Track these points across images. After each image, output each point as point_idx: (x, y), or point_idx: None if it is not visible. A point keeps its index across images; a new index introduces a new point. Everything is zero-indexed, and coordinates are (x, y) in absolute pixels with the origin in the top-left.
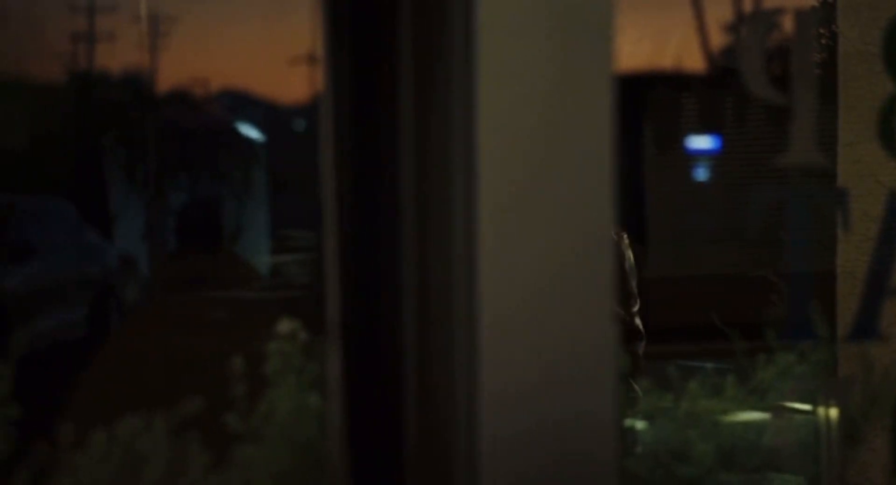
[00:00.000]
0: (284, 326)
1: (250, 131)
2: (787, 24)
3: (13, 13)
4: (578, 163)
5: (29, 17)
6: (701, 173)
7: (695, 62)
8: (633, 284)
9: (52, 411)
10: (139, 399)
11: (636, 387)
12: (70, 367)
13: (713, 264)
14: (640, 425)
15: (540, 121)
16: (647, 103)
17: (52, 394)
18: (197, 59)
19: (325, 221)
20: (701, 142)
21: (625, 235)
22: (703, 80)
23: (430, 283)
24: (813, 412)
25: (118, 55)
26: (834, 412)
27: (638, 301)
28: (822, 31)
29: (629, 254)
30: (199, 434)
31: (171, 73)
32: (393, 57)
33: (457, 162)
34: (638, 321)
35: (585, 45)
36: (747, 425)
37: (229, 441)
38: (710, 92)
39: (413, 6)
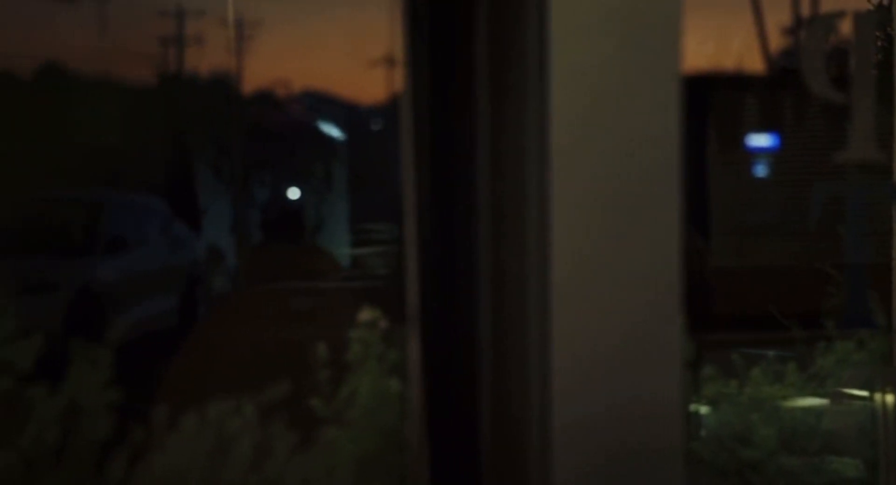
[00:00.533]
0: (365, 314)
1: (331, 130)
2: (846, 26)
3: (109, 18)
4: (647, 160)
5: (122, 21)
6: (761, 170)
7: (756, 63)
8: None
9: (147, 394)
10: (228, 384)
11: None
12: (162, 353)
13: (774, 257)
14: (704, 410)
15: (610, 119)
16: (711, 103)
17: (147, 379)
18: (280, 62)
19: (405, 216)
20: (762, 140)
21: None
22: (764, 80)
23: (505, 273)
24: (870, 398)
25: (206, 58)
26: (890, 398)
27: None
28: (878, 33)
29: None
30: (285, 417)
31: (256, 74)
32: (470, 59)
33: (531, 158)
34: None
35: (654, 47)
36: (807, 410)
37: (314, 424)
38: (771, 91)
39: (489, 12)
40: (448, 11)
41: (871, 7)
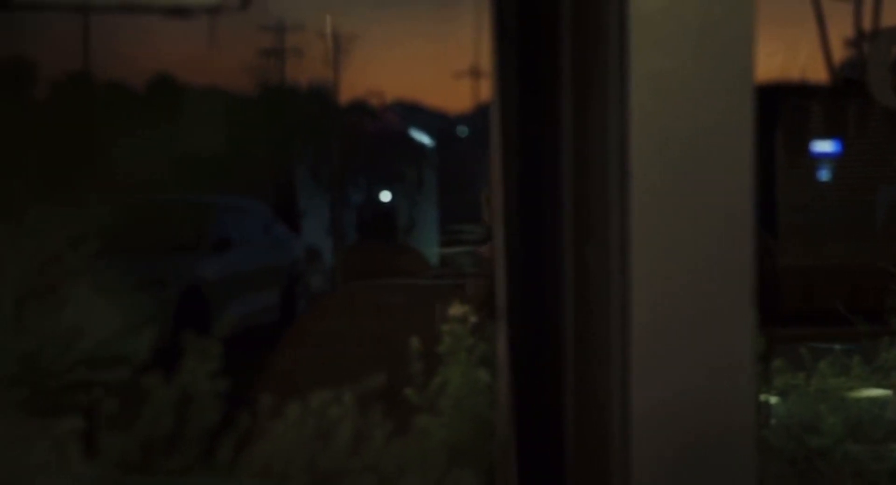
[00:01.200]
0: (456, 310)
1: (421, 137)
2: None
3: (217, 33)
4: (720, 163)
5: (231, 36)
6: (826, 174)
7: (822, 73)
8: None
9: (253, 384)
10: (328, 374)
11: None
12: (266, 346)
13: (840, 256)
14: (774, 400)
15: (686, 124)
16: (779, 111)
17: (252, 369)
18: (374, 74)
19: (493, 217)
20: (827, 146)
21: None
22: (829, 89)
23: (588, 270)
24: None
25: (306, 69)
26: None
27: None
28: None
29: None
30: (381, 406)
31: (352, 85)
32: (554, 70)
33: (612, 162)
34: None
35: (727, 56)
36: (872, 400)
37: (408, 412)
38: (836, 100)
39: (572, 26)
40: (534, 26)
41: None
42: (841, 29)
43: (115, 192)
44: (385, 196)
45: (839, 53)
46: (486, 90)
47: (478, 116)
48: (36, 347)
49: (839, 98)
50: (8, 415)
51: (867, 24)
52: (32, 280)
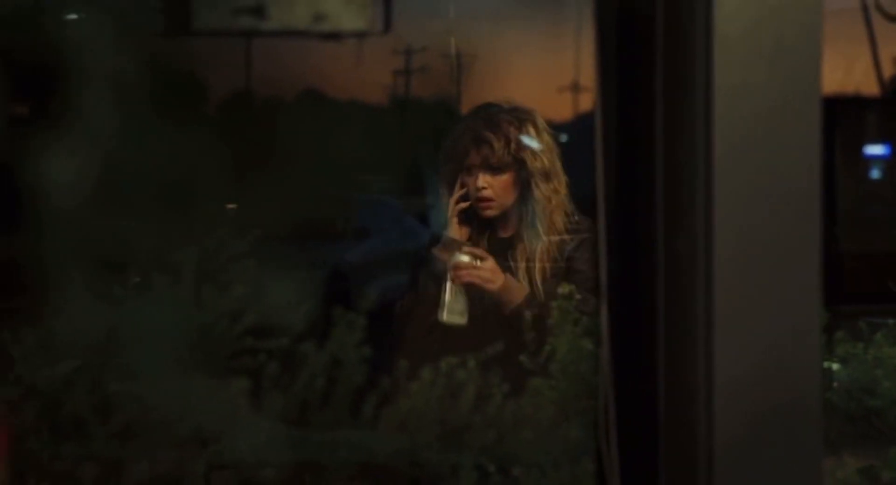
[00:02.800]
0: (564, 289)
1: (531, 141)
2: None
3: (362, 54)
4: (793, 166)
5: (370, 56)
6: (878, 173)
7: (874, 86)
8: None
9: (390, 350)
10: (455, 343)
11: None
12: (399, 319)
13: (891, 243)
14: (836, 367)
15: (763, 134)
16: (838, 118)
17: (390, 338)
18: (490, 88)
19: (597, 209)
20: (878, 149)
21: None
22: (881, 99)
23: (677, 255)
24: None
25: (433, 85)
26: None
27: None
28: None
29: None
30: (500, 370)
31: (471, 98)
32: (650, 85)
33: (699, 164)
34: None
35: (799, 74)
36: None
37: (522, 375)
38: (886, 109)
39: (665, 46)
40: (632, 47)
41: None
42: (891, 47)
43: (282, 189)
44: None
45: (889, 69)
46: (583, 103)
47: (576, 124)
48: (212, 320)
49: (889, 107)
50: (192, 377)
51: None
52: (210, 264)
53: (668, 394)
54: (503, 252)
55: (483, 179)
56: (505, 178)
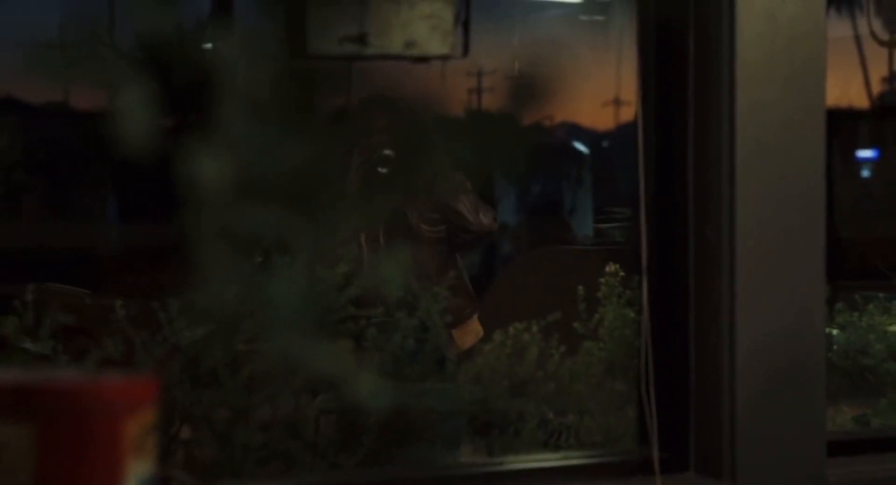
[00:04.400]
0: (610, 267)
1: (580, 147)
2: None
3: (444, 74)
4: (802, 166)
5: (450, 76)
6: (867, 172)
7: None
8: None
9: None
10: (521, 310)
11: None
12: (477, 291)
13: (879, 231)
14: (836, 332)
15: (777, 139)
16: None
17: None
18: (547, 103)
19: (638, 202)
20: (868, 153)
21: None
22: (870, 111)
23: (706, 244)
24: None
25: (497, 102)
26: None
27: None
28: None
29: None
30: (557, 334)
31: (531, 112)
32: (682, 99)
33: (724, 167)
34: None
35: (807, 90)
36: None
37: (576, 338)
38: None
39: (696, 66)
40: (667, 67)
41: None
42: (880, 68)
43: (374, 187)
44: (556, 187)
45: (877, 86)
46: (622, 114)
47: (617, 132)
48: (322, 292)
49: (877, 118)
50: (306, 338)
51: None
52: (321, 248)
53: (697, 354)
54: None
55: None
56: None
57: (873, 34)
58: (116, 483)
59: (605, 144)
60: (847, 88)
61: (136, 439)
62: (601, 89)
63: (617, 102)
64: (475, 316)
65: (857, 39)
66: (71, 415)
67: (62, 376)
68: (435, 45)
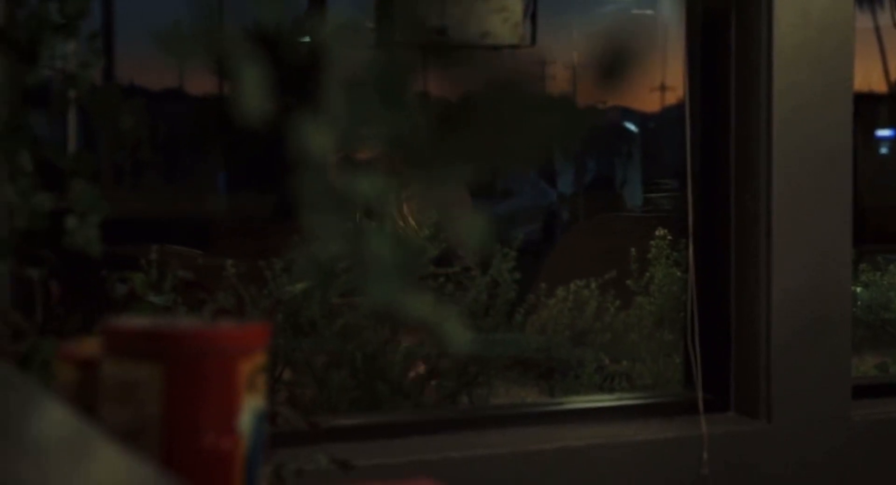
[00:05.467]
0: (659, 232)
1: (631, 127)
2: None
3: (510, 63)
4: (831, 140)
5: (517, 65)
6: (885, 148)
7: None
8: None
9: (535, 275)
10: (580, 271)
11: None
12: (538, 255)
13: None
14: (860, 289)
15: (809, 118)
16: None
17: (532, 268)
18: (600, 89)
19: (686, 173)
20: (886, 131)
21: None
22: (889, 94)
23: (746, 210)
24: None
25: (558, 88)
26: None
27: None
28: None
29: None
30: (613, 290)
31: (586, 98)
32: (725, 83)
33: (762, 141)
34: None
35: (836, 75)
36: None
37: (629, 294)
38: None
39: (737, 55)
40: (711, 55)
41: None
42: None
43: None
44: (609, 162)
45: None
46: (667, 99)
47: (662, 114)
48: (405, 252)
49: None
50: (405, 294)
51: None
52: (407, 212)
53: (737, 308)
54: None
55: None
56: None
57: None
58: (232, 416)
59: (652, 124)
60: (869, 74)
61: (250, 378)
62: (649, 76)
63: (662, 88)
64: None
65: (878, 30)
66: (194, 356)
67: (186, 323)
68: (507, 35)
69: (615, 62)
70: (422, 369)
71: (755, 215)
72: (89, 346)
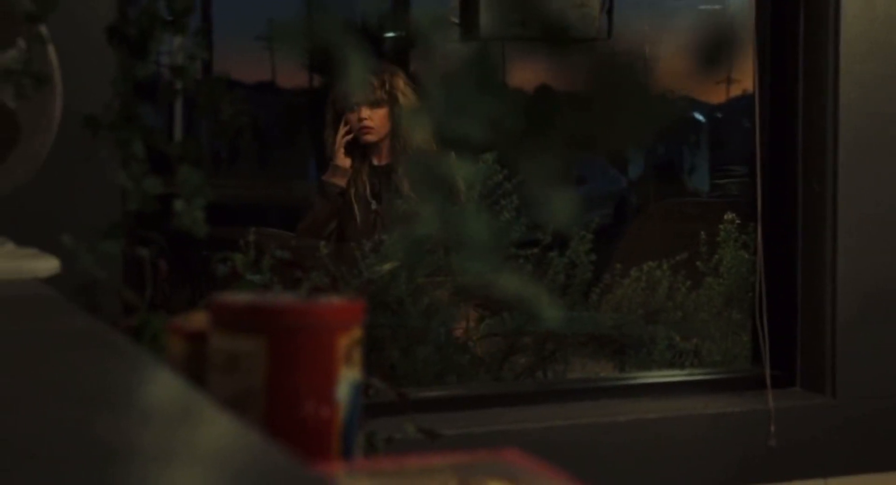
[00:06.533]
0: (727, 216)
1: (698, 116)
2: None
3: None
4: (893, 127)
5: (590, 56)
6: None
7: None
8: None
9: (608, 257)
10: (651, 253)
11: None
12: (611, 238)
13: None
14: None
15: (873, 105)
16: None
17: (606, 250)
18: (672, 79)
19: (755, 158)
20: None
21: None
22: None
23: (813, 196)
24: None
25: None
26: None
27: None
28: None
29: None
30: (683, 271)
31: (657, 86)
32: (794, 72)
33: (829, 130)
34: None
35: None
36: None
37: (698, 275)
38: None
39: (805, 46)
40: (781, 44)
41: None
42: None
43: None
44: (678, 151)
45: None
46: (732, 90)
47: (728, 104)
48: (488, 234)
49: None
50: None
51: None
52: (487, 196)
53: (803, 288)
54: (378, 178)
55: (364, 112)
56: (381, 111)
57: None
58: (331, 386)
59: (717, 114)
60: None
61: (347, 351)
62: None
63: (728, 80)
64: None
65: None
66: (296, 330)
67: (288, 299)
68: (584, 28)
69: (714, 51)
70: (501, 344)
71: (822, 198)
72: (197, 320)
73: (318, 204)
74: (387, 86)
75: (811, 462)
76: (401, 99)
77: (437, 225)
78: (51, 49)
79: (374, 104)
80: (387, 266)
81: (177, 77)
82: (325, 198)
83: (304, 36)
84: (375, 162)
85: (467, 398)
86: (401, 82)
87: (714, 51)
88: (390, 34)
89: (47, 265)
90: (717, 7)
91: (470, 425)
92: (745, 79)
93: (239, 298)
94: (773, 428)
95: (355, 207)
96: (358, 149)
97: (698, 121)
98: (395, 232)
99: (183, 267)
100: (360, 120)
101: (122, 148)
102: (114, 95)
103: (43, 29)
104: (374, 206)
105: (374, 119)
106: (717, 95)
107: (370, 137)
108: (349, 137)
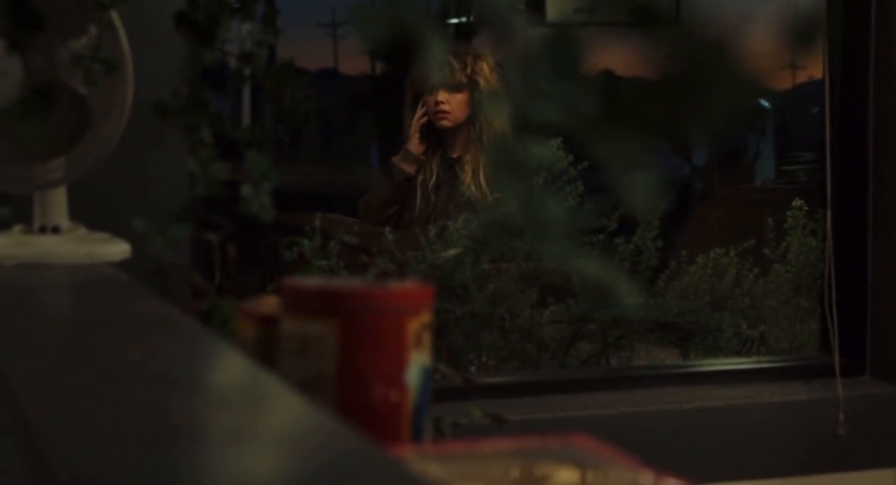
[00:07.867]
0: (795, 202)
1: (764, 103)
2: None
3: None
4: None
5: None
6: None
7: None
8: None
9: (676, 243)
10: (720, 239)
11: None
12: (676, 224)
13: None
14: None
15: None
16: None
17: (671, 236)
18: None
19: (825, 145)
20: None
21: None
22: None
23: (883, 182)
24: None
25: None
26: None
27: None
28: None
29: None
30: (751, 257)
31: None
32: (865, 62)
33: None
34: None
35: None
36: None
37: (766, 262)
38: None
39: (876, 31)
40: (851, 32)
41: None
42: None
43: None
44: (745, 137)
45: None
46: (798, 77)
47: (793, 91)
48: (550, 222)
49: None
50: (538, 261)
51: None
52: (552, 183)
53: (874, 275)
54: (451, 167)
55: (442, 95)
56: (460, 97)
57: None
58: (401, 370)
59: (783, 101)
60: None
61: (417, 335)
62: (781, 56)
63: (793, 67)
64: None
65: None
66: (367, 314)
67: (358, 283)
68: (651, 15)
69: (809, 29)
70: (566, 330)
71: (893, 184)
72: (268, 304)
73: (382, 185)
74: (468, 70)
75: (881, 452)
76: (483, 84)
77: (516, 209)
78: (121, 36)
79: (454, 88)
80: (451, 252)
81: (245, 63)
82: (389, 180)
83: (384, 18)
84: (450, 154)
85: (532, 384)
86: (486, 67)
87: (809, 29)
88: (453, 20)
89: (119, 250)
90: None
91: (534, 411)
92: (810, 64)
93: (310, 282)
94: (841, 417)
95: (418, 195)
96: (434, 136)
97: (763, 107)
98: (460, 218)
99: (250, 252)
100: (437, 103)
101: (191, 134)
102: (182, 82)
103: (114, 16)
104: (432, 198)
105: (452, 104)
106: (783, 82)
107: (445, 123)
108: (424, 119)
